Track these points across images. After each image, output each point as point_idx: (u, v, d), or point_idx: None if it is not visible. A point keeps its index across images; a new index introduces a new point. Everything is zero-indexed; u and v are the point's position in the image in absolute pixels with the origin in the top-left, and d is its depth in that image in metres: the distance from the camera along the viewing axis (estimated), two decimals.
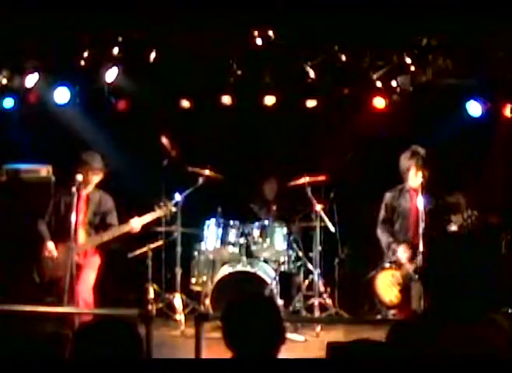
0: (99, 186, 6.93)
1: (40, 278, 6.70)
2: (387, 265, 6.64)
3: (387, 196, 6.80)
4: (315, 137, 8.86)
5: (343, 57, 7.74)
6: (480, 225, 6.29)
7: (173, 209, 7.19)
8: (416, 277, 6.29)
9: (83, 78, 8.21)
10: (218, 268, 7.94)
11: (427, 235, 6.18)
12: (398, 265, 6.54)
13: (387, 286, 6.51)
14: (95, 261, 6.84)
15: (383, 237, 6.71)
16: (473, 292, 2.50)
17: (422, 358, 2.44)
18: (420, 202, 6.34)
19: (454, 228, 6.38)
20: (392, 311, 6.54)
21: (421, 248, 6.23)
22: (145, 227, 7.14)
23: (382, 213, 6.80)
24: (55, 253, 6.62)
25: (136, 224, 6.87)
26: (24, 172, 8.05)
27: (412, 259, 6.41)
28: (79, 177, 6.59)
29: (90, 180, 6.73)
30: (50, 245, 6.65)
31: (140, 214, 7.01)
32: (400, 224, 6.66)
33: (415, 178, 6.51)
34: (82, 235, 6.73)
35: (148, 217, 6.99)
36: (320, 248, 7.88)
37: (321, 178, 7.85)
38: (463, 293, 2.51)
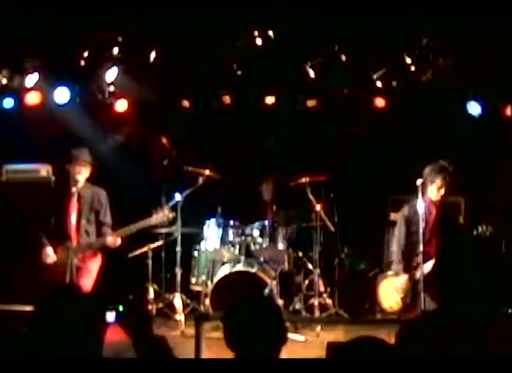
0: (90, 181, 6.76)
1: (41, 283, 6.64)
2: (392, 272, 6.58)
3: (405, 210, 6.59)
4: (315, 137, 8.85)
5: (343, 57, 7.74)
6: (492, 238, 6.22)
7: (171, 215, 7.05)
8: (421, 284, 6.23)
9: (83, 78, 8.20)
10: (218, 268, 7.93)
11: (437, 239, 6.14)
12: (405, 271, 6.47)
13: (389, 292, 6.47)
14: (93, 266, 6.78)
15: (402, 249, 6.55)
16: (485, 294, 2.50)
17: (430, 359, 2.43)
18: (429, 208, 6.31)
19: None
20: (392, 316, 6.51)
21: (420, 248, 6.21)
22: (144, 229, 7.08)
23: (402, 228, 6.57)
24: (54, 258, 6.59)
25: (112, 242, 6.67)
26: (24, 172, 8.04)
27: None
28: (73, 174, 6.56)
29: (78, 174, 6.58)
30: (49, 250, 6.62)
31: (139, 216, 6.91)
32: (417, 236, 6.47)
33: (437, 192, 6.40)
34: (78, 236, 6.66)
35: (143, 224, 6.76)
36: (320, 248, 7.89)
37: (321, 178, 7.86)
38: (475, 295, 2.50)
